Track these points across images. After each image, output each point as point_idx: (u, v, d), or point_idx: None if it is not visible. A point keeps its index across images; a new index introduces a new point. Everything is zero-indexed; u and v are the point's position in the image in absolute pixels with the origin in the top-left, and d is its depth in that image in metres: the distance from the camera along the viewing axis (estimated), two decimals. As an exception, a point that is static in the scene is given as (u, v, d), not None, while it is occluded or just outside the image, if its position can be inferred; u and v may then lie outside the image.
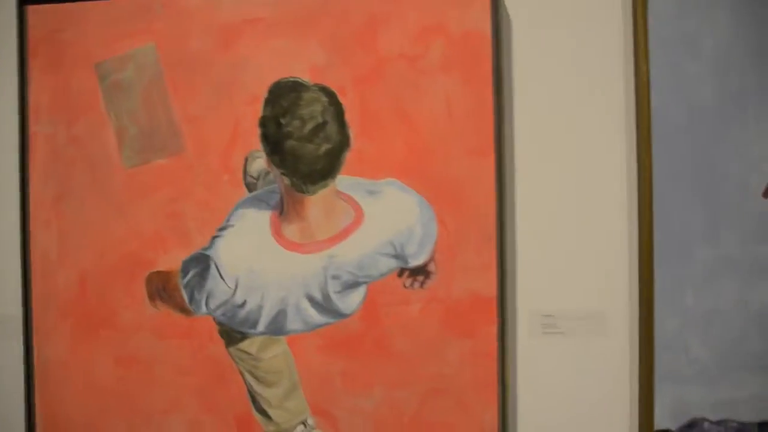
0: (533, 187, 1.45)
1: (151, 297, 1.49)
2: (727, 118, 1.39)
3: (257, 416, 1.47)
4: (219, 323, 1.46)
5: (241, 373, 1.47)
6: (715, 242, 1.39)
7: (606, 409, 1.43)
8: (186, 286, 1.45)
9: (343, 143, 1.40)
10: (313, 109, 1.39)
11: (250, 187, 1.47)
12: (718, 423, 1.38)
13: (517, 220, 1.45)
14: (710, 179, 1.40)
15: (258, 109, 1.42)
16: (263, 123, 1.41)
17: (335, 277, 1.41)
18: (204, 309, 1.45)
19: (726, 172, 1.39)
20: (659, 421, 1.40)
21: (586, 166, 1.44)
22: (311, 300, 1.42)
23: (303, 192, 1.40)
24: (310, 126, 1.38)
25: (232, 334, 1.46)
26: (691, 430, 1.39)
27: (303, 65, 1.44)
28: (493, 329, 1.39)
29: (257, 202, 1.45)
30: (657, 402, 1.40)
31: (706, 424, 1.38)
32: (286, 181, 1.39)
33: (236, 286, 1.43)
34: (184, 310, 1.46)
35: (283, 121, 1.38)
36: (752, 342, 1.38)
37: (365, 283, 1.42)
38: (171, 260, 1.47)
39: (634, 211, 1.41)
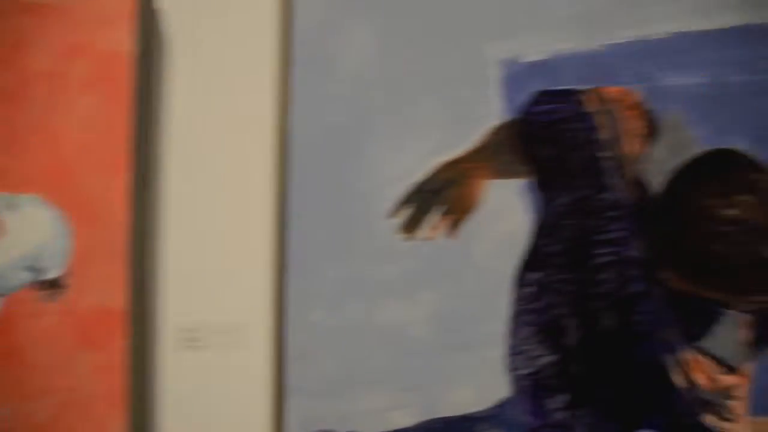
0: (178, 203, 1.48)
1: None
2: (361, 138, 1.44)
3: None
4: None
5: None
6: (344, 261, 1.44)
7: (243, 422, 1.46)
8: None
9: (-14, 158, 1.43)
10: (-41, 125, 1.42)
11: None
12: (343, 435, 1.43)
13: (160, 236, 1.48)
14: (342, 198, 1.45)
15: None
16: None
17: (-27, 290, 1.44)
18: None
19: (357, 191, 1.44)
20: (291, 433, 1.44)
21: (231, 184, 1.48)
22: (-51, 312, 1.45)
23: (-55, 205, 1.43)
24: (-46, 141, 1.41)
25: None
26: (317, 441, 1.43)
27: (-45, 81, 1.47)
28: (122, 343, 1.42)
29: None
30: (289, 414, 1.44)
31: (330, 436, 1.43)
32: (-69, 194, 1.43)
33: None
34: None
35: None
36: (376, 358, 1.43)
37: (2, 295, 1.44)
38: None
39: (273, 228, 1.46)
